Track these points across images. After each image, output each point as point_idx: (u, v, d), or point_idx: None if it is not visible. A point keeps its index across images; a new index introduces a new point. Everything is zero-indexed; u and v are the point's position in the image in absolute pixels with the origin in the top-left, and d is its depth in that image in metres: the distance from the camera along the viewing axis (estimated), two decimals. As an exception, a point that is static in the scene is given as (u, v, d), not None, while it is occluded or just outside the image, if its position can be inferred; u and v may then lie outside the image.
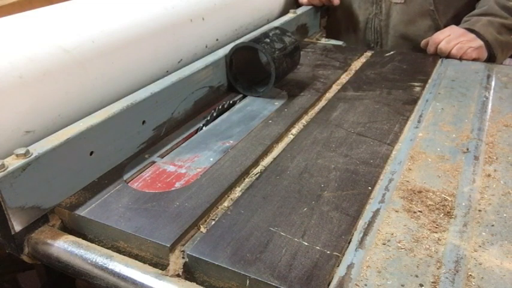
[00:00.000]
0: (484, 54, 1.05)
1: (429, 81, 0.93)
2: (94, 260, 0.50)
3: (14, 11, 0.66)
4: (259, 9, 1.10)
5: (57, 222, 0.56)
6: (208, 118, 0.79)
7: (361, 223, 0.53)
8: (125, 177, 0.62)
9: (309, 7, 1.22)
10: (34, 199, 0.53)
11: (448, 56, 1.05)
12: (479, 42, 1.04)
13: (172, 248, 0.49)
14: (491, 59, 1.06)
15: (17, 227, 0.52)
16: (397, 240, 0.50)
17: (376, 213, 0.55)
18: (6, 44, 0.59)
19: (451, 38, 1.06)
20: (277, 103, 0.84)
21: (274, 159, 0.66)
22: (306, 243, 0.49)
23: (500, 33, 1.06)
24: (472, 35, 1.05)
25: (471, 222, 0.53)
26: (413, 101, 0.84)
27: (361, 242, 0.50)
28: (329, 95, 0.88)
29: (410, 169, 0.63)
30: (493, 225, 0.53)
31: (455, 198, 0.57)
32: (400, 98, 0.85)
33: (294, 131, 0.75)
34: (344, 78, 0.96)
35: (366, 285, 0.45)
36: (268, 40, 0.84)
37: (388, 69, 0.99)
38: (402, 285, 0.45)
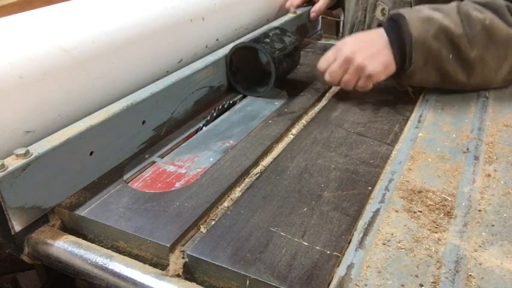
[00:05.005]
0: (388, 69, 0.77)
1: (429, 81, 0.93)
2: (94, 260, 0.50)
3: (13, 11, 0.66)
4: (259, 9, 1.10)
5: (57, 222, 0.56)
6: (208, 118, 0.79)
7: (361, 223, 0.53)
8: (125, 177, 0.62)
9: (309, 7, 1.22)
10: (34, 199, 0.53)
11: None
12: (381, 52, 0.76)
13: (172, 248, 0.49)
14: (403, 67, 0.77)
15: (17, 227, 0.52)
16: (397, 240, 0.50)
17: (376, 213, 0.55)
18: (6, 44, 0.59)
19: (334, 67, 0.79)
20: (277, 103, 0.84)
21: (274, 159, 0.66)
22: (306, 243, 0.49)
23: (436, 39, 0.76)
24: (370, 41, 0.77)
25: (471, 222, 0.53)
26: (414, 101, 0.83)
27: (361, 242, 0.50)
28: (329, 95, 0.88)
29: (410, 169, 0.63)
30: (493, 225, 0.53)
31: (455, 198, 0.57)
32: (400, 98, 0.85)
33: (294, 131, 0.75)
34: (344, 78, 0.96)
35: (366, 285, 0.45)
36: (268, 40, 0.84)
37: (388, 69, 0.99)
38: (402, 285, 0.45)
